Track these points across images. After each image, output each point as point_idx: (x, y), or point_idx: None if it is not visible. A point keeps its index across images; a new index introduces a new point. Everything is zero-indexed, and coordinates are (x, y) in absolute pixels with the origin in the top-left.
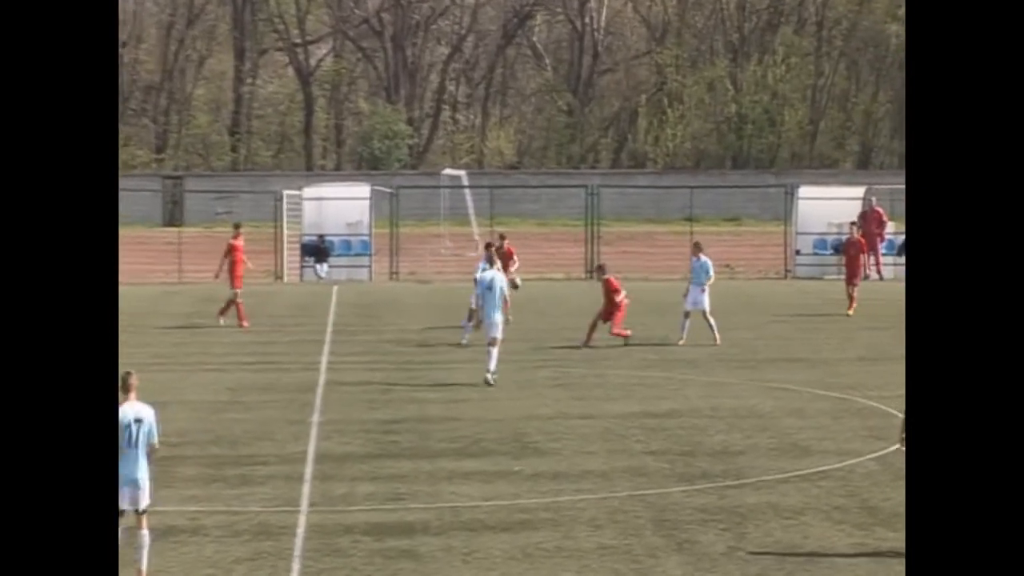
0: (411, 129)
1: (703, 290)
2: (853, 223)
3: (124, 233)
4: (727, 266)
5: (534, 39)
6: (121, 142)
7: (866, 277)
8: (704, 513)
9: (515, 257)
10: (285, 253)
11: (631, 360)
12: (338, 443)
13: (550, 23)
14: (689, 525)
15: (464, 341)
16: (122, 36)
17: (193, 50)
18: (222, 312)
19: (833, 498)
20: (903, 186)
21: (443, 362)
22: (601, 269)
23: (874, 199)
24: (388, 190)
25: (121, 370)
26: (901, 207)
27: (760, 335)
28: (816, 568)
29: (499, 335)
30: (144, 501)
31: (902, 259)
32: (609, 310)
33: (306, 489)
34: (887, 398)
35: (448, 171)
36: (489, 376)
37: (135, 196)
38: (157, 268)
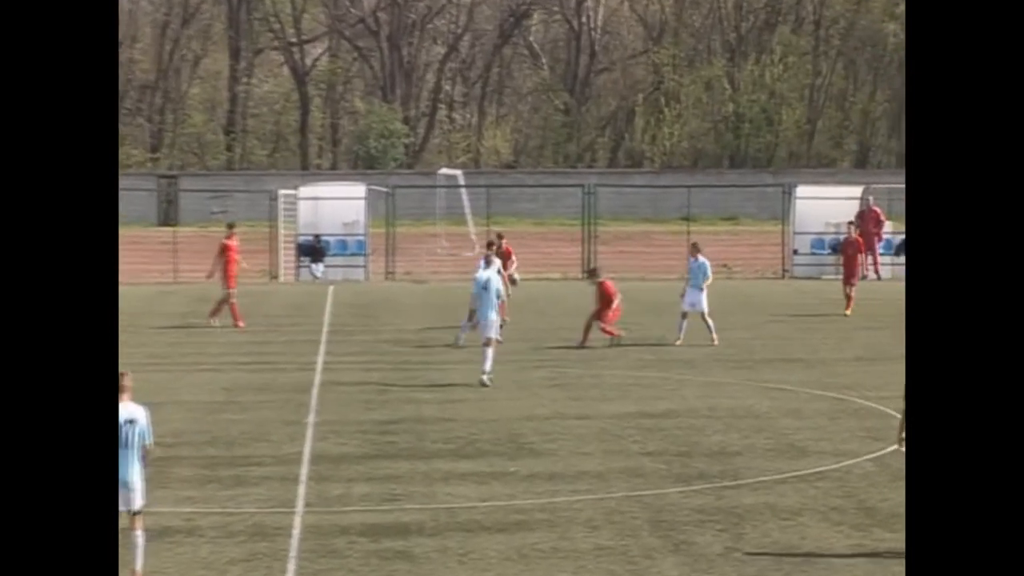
0: (407, 128)
1: (701, 291)
2: (851, 223)
3: (119, 233)
4: (724, 266)
5: (530, 38)
6: None
7: (864, 277)
8: (701, 514)
9: (513, 257)
10: (281, 253)
11: (628, 360)
12: (334, 444)
13: (547, 22)
14: (686, 526)
15: (460, 342)
16: None
17: (188, 49)
18: (214, 313)
19: (830, 499)
20: (901, 185)
21: (439, 362)
22: (594, 272)
23: (871, 198)
24: (384, 189)
25: None
26: (899, 206)
27: (757, 335)
28: (813, 569)
29: (494, 335)
30: (137, 502)
31: (900, 259)
32: (603, 311)
33: (302, 490)
34: (885, 398)
35: (444, 170)
36: (484, 377)
37: (130, 195)
38: (152, 268)
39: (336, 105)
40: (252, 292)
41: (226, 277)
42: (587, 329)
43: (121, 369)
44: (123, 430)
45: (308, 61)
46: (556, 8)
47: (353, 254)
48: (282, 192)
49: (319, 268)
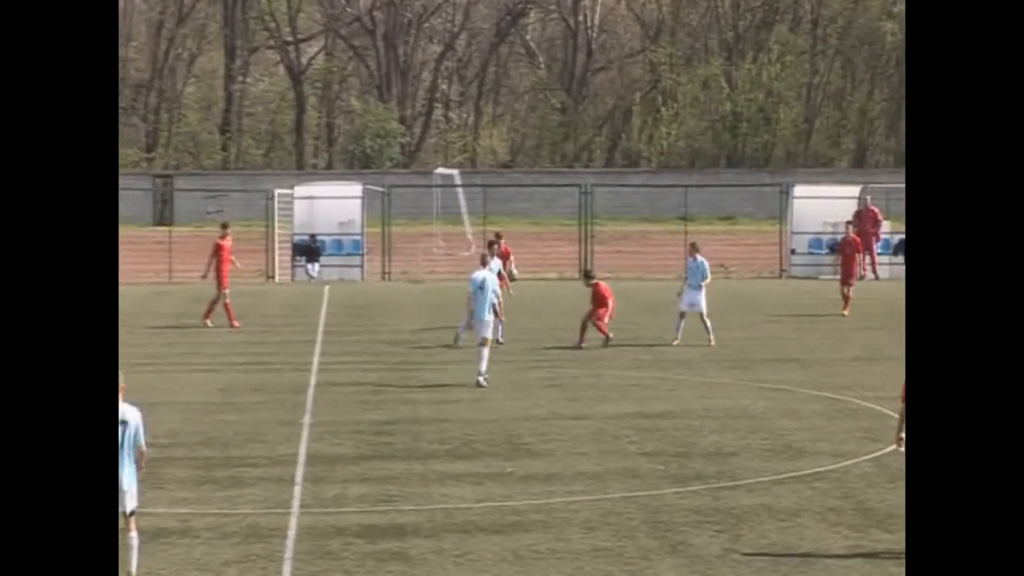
0: (403, 128)
1: (699, 291)
2: (849, 222)
3: None
4: (722, 265)
5: (527, 37)
6: None
7: (861, 277)
8: (698, 515)
9: (511, 258)
10: (276, 253)
11: (625, 361)
12: (329, 444)
13: (543, 21)
14: (683, 527)
15: (460, 342)
16: None
17: (183, 48)
18: (207, 315)
19: (828, 499)
20: (898, 185)
21: (436, 363)
22: (588, 275)
23: (869, 198)
24: (380, 189)
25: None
26: (896, 206)
27: (755, 335)
28: (811, 570)
29: (490, 335)
30: (131, 504)
31: (898, 259)
32: (597, 312)
33: (297, 491)
34: (882, 399)
35: (441, 170)
36: (481, 378)
37: (125, 195)
38: (147, 268)
39: (332, 104)
40: (248, 292)
41: (219, 277)
42: (583, 330)
43: None
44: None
45: (304, 60)
46: (553, 7)
47: (349, 254)
48: (278, 192)
49: (315, 268)
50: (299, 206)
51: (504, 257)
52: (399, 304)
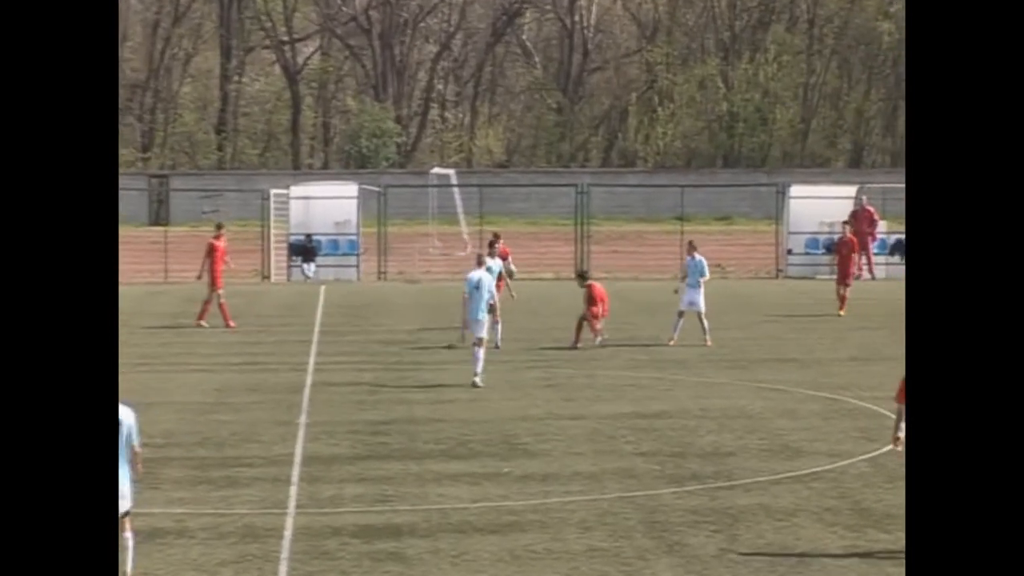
0: (399, 127)
1: (698, 290)
2: (846, 222)
3: None
4: (718, 266)
5: (523, 37)
6: None
7: (858, 277)
8: (695, 515)
9: (510, 258)
10: (272, 253)
11: (621, 360)
12: (326, 444)
13: (539, 21)
14: (679, 527)
15: (463, 343)
16: None
17: (179, 48)
18: (201, 316)
19: (825, 499)
20: (895, 185)
21: (432, 363)
22: (583, 276)
23: (865, 198)
24: (376, 189)
25: None
26: (892, 206)
27: (751, 335)
28: (808, 570)
29: (485, 335)
30: (125, 505)
31: (894, 258)
32: (592, 312)
33: (293, 491)
34: (879, 399)
35: (437, 170)
36: (476, 379)
37: (121, 195)
38: (143, 267)
39: (328, 104)
40: (243, 292)
41: (212, 277)
42: (578, 330)
43: None
44: None
45: (300, 60)
46: (549, 7)
47: (345, 254)
48: (273, 191)
49: (311, 268)
50: (295, 206)
51: (503, 258)
52: (395, 304)
